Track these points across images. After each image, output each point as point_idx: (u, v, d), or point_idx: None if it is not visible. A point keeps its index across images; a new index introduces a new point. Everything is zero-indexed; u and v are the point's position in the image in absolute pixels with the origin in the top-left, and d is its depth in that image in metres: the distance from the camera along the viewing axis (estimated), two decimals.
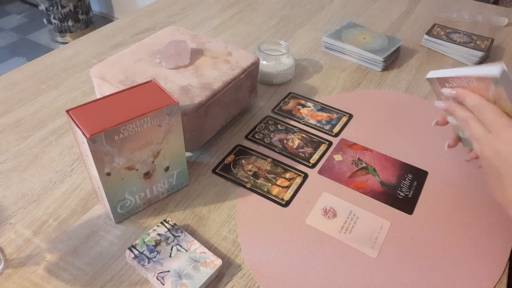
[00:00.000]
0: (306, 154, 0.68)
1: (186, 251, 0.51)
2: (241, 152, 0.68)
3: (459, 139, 0.60)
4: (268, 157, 0.67)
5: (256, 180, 0.63)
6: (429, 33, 0.97)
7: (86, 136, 0.46)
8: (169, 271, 0.49)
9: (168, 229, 0.53)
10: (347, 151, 0.69)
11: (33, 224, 0.56)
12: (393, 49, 0.89)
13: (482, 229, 0.57)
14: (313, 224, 0.57)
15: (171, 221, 0.54)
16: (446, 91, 0.55)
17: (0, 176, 0.63)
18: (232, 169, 0.65)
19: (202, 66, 0.67)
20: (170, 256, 0.50)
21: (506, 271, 0.53)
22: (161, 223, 0.54)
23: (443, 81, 0.57)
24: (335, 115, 0.76)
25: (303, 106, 0.78)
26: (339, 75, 0.88)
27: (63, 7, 2.42)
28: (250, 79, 0.71)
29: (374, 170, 0.65)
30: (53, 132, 0.71)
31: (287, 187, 0.62)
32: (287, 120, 0.75)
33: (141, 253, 0.51)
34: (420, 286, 0.50)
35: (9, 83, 0.82)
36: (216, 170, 0.65)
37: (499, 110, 0.49)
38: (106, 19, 2.91)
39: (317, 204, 0.60)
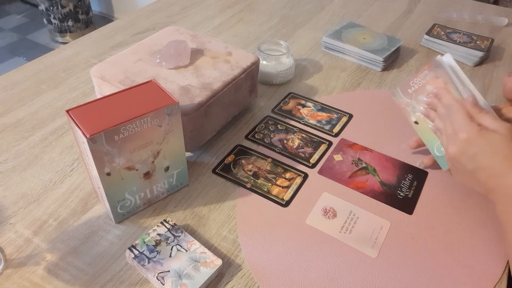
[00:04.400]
0: (306, 154, 0.68)
1: (186, 251, 0.51)
2: (241, 152, 0.68)
3: (435, 159, 0.64)
4: (268, 157, 0.67)
5: (256, 180, 0.63)
6: (429, 33, 0.97)
7: (86, 136, 0.46)
8: (169, 271, 0.49)
9: (168, 229, 0.53)
10: (347, 151, 0.69)
11: (33, 224, 0.56)
12: (393, 49, 0.89)
13: (482, 229, 0.57)
14: (313, 224, 0.57)
15: (171, 221, 0.54)
16: (429, 88, 0.61)
17: (0, 176, 0.63)
18: (232, 169, 0.65)
19: (202, 66, 0.67)
20: (170, 256, 0.50)
21: (506, 271, 0.53)
22: (161, 223, 0.54)
23: (405, 87, 0.63)
24: (335, 115, 0.76)
25: (303, 106, 0.78)
26: (339, 75, 0.88)
27: (63, 7, 2.42)
28: (250, 79, 0.71)
29: (374, 170, 0.65)
30: (53, 132, 0.71)
31: (287, 187, 0.62)
32: (287, 120, 0.75)
33: (141, 253, 0.51)
34: (420, 286, 0.50)
35: (9, 83, 0.82)
36: (216, 170, 0.65)
37: (467, 114, 0.54)
38: (106, 19, 2.91)
39: (317, 204, 0.60)
